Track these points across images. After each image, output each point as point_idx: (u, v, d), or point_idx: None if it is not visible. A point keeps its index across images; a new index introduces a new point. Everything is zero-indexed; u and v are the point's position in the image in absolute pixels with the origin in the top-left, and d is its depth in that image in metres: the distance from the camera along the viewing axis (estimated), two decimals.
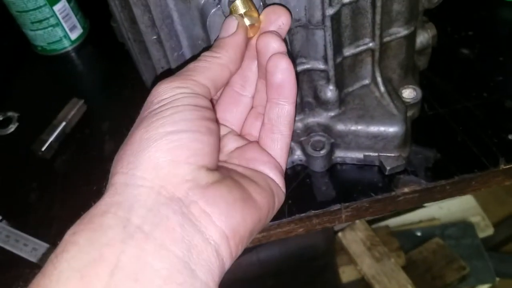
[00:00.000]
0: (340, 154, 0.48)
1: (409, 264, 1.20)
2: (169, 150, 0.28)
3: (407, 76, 0.49)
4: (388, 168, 0.46)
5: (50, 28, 0.68)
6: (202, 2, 0.37)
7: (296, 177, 0.49)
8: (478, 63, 0.56)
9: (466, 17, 0.62)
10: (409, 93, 0.49)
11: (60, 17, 0.68)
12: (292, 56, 0.42)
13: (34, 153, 0.57)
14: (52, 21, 0.68)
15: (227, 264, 0.29)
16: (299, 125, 0.47)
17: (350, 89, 0.46)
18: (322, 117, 0.46)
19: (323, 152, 0.47)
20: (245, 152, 0.35)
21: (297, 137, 0.48)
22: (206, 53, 0.33)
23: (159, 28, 0.39)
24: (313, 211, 0.46)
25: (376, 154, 0.47)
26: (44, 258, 0.47)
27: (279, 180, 0.34)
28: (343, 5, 0.39)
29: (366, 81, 0.46)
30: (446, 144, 0.49)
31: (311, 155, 0.47)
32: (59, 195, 0.53)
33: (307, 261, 0.99)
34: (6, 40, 0.76)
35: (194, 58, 0.34)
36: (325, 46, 0.40)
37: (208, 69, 0.32)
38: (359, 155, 0.47)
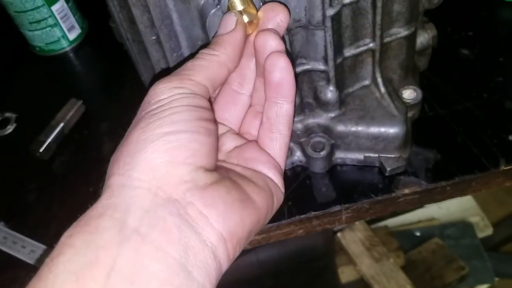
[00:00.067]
0: (340, 155, 0.48)
1: (408, 264, 1.20)
2: (166, 150, 0.28)
3: (408, 76, 0.49)
4: (388, 169, 0.46)
5: (48, 29, 0.68)
6: (202, 2, 0.37)
7: (296, 178, 0.49)
8: (478, 64, 0.56)
9: (466, 17, 0.61)
10: (409, 94, 0.49)
11: (58, 17, 0.68)
12: (291, 56, 0.42)
13: (32, 154, 0.56)
14: (50, 21, 0.68)
15: (225, 266, 0.29)
16: (299, 126, 0.47)
17: (351, 89, 0.46)
18: (322, 118, 0.46)
19: (323, 153, 0.46)
20: (244, 152, 0.34)
21: (297, 138, 0.48)
22: (204, 51, 0.33)
23: (158, 28, 0.39)
24: (313, 213, 0.46)
25: (377, 155, 0.47)
26: (42, 260, 0.46)
27: (278, 180, 0.34)
28: (344, 5, 0.39)
29: (367, 82, 0.46)
30: (446, 145, 0.49)
31: (311, 156, 0.47)
32: (58, 196, 0.53)
33: (306, 262, 0.99)
34: (4, 41, 0.75)
35: (192, 56, 0.33)
36: (325, 46, 0.40)
37: (206, 68, 0.32)
38: (360, 156, 0.47)
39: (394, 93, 0.47)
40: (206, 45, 0.36)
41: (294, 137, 0.47)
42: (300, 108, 0.46)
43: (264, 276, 0.98)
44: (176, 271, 0.26)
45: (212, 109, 0.32)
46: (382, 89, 0.46)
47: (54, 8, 0.67)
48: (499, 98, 0.52)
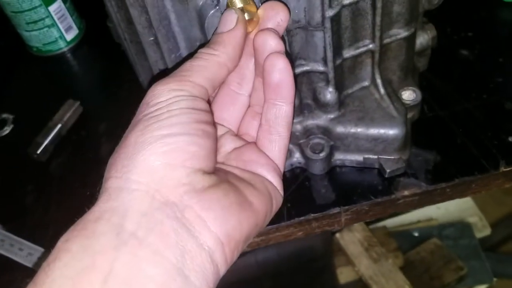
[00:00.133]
0: (339, 157, 0.48)
1: (407, 264, 1.20)
2: (164, 153, 0.27)
3: (407, 77, 0.49)
4: (388, 170, 0.46)
5: (45, 29, 0.68)
6: (200, 3, 0.37)
7: (295, 180, 0.48)
8: (478, 64, 0.56)
9: (466, 18, 0.61)
10: (408, 95, 0.48)
11: (55, 17, 0.67)
12: (291, 56, 0.41)
13: (29, 156, 0.56)
14: (48, 21, 0.67)
15: (222, 270, 0.28)
16: (298, 127, 0.47)
17: (350, 91, 0.46)
18: (321, 120, 0.46)
19: (322, 154, 0.46)
20: (243, 154, 0.34)
21: (296, 140, 0.47)
22: (203, 50, 0.32)
23: (156, 29, 0.39)
24: (312, 215, 0.46)
25: (376, 156, 0.46)
26: (40, 263, 0.46)
27: (277, 183, 0.34)
28: (343, 6, 0.39)
29: (366, 83, 0.46)
30: (446, 146, 0.48)
31: (310, 158, 0.47)
32: (55, 198, 0.53)
33: (305, 263, 0.99)
34: (1, 41, 0.75)
35: (190, 57, 0.33)
36: (324, 47, 0.40)
37: (206, 68, 0.31)
38: (359, 157, 0.47)
39: (394, 94, 0.46)
40: (205, 43, 0.35)
41: (293, 138, 0.46)
42: (299, 109, 0.46)
43: (263, 277, 0.98)
44: (173, 275, 0.25)
45: (211, 111, 0.31)
46: (382, 90, 0.45)
47: (51, 8, 0.67)
48: (499, 99, 0.52)
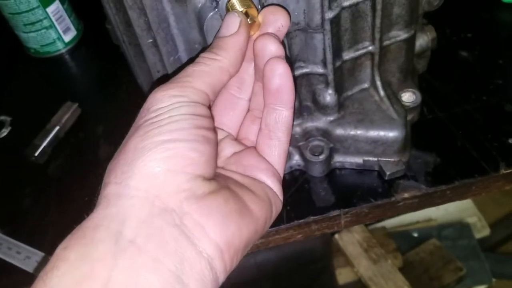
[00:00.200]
0: (339, 159, 0.47)
1: (406, 265, 1.20)
2: (164, 159, 0.27)
3: (407, 79, 0.48)
4: (387, 173, 0.46)
5: (43, 30, 0.67)
6: (199, 5, 0.36)
7: (295, 182, 0.48)
8: (478, 66, 0.56)
9: (465, 19, 0.61)
10: (408, 97, 0.48)
11: (53, 19, 0.67)
12: (290, 60, 0.41)
13: (27, 158, 0.56)
14: (46, 23, 0.67)
15: (221, 277, 0.28)
16: (298, 129, 0.46)
17: (349, 93, 0.46)
18: (321, 122, 0.46)
19: (322, 157, 0.46)
20: (243, 159, 0.34)
21: (296, 142, 0.47)
22: (205, 55, 0.32)
23: (155, 31, 0.39)
24: (312, 217, 0.45)
25: (376, 159, 0.46)
26: (38, 266, 0.46)
27: (276, 188, 0.34)
28: (343, 8, 0.38)
29: (366, 85, 0.46)
30: (445, 148, 0.48)
31: (309, 160, 0.46)
32: (54, 200, 0.53)
33: (304, 264, 0.99)
34: None
35: (191, 61, 0.32)
36: (324, 50, 0.40)
37: (207, 74, 0.31)
38: (359, 160, 0.47)
39: (393, 96, 0.46)
40: (206, 47, 0.35)
41: (292, 140, 0.46)
42: (299, 111, 0.45)
43: (262, 279, 0.97)
44: (172, 283, 0.25)
45: (212, 117, 0.31)
46: (381, 92, 0.45)
47: (49, 9, 0.66)
48: (498, 100, 0.52)
